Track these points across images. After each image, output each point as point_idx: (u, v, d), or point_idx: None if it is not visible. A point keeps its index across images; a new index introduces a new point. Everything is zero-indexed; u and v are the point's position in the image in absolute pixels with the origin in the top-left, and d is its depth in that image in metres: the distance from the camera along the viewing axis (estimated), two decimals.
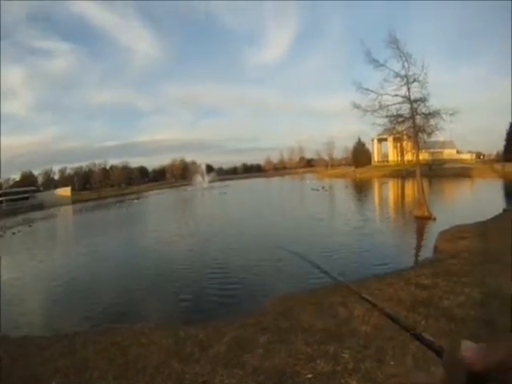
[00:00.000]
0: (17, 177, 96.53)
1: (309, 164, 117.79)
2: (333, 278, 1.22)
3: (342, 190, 37.98)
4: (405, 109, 15.83)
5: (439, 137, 18.18)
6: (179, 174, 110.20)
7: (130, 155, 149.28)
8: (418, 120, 15.84)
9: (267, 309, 6.39)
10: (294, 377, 3.61)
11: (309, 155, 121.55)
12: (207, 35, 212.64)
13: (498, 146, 62.92)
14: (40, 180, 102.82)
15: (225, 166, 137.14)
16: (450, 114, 15.09)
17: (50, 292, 9.74)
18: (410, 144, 18.85)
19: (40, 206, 60.58)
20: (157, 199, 50.57)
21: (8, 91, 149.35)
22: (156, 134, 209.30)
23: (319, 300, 6.08)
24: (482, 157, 76.31)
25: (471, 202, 22.55)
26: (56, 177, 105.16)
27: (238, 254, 11.50)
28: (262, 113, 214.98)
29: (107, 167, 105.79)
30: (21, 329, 6.92)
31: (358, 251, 10.85)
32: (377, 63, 15.58)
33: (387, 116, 16.12)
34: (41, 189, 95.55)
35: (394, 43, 15.07)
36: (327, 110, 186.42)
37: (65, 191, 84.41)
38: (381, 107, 15.83)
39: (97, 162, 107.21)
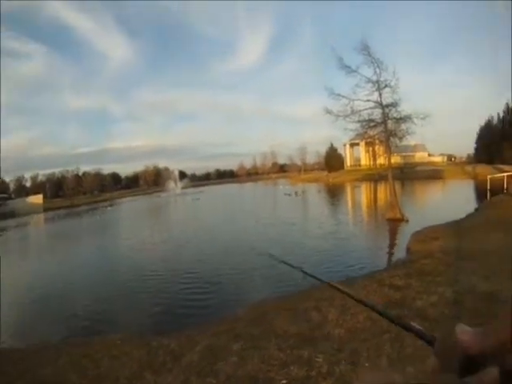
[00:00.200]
0: None
1: (282, 169, 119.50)
2: (313, 277, 1.22)
3: (314, 194, 38.37)
4: (376, 114, 16.26)
5: (411, 140, 18.66)
6: (152, 181, 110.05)
7: (103, 161, 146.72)
8: (390, 124, 16.29)
9: (240, 315, 6.27)
10: (268, 383, 3.57)
11: (282, 160, 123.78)
12: (181, 41, 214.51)
13: (469, 148, 65.98)
14: (11, 187, 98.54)
15: (198, 172, 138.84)
16: (421, 118, 15.64)
17: (20, 303, 9.25)
18: (381, 148, 19.25)
19: (12, 214, 57.64)
20: (130, 206, 49.50)
21: None
22: (129, 140, 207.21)
23: (293, 305, 6.00)
24: (453, 159, 79.66)
25: (443, 203, 23.30)
26: (28, 184, 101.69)
27: (211, 260, 11.42)
28: (235, 118, 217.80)
29: (80, 174, 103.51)
30: None
31: (330, 254, 10.89)
32: (349, 69, 15.99)
33: (359, 121, 16.51)
34: (12, 196, 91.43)
35: (366, 50, 15.53)
36: (300, 115, 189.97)
37: (36, 198, 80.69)
38: (353, 112, 16.21)
39: (69, 168, 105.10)
